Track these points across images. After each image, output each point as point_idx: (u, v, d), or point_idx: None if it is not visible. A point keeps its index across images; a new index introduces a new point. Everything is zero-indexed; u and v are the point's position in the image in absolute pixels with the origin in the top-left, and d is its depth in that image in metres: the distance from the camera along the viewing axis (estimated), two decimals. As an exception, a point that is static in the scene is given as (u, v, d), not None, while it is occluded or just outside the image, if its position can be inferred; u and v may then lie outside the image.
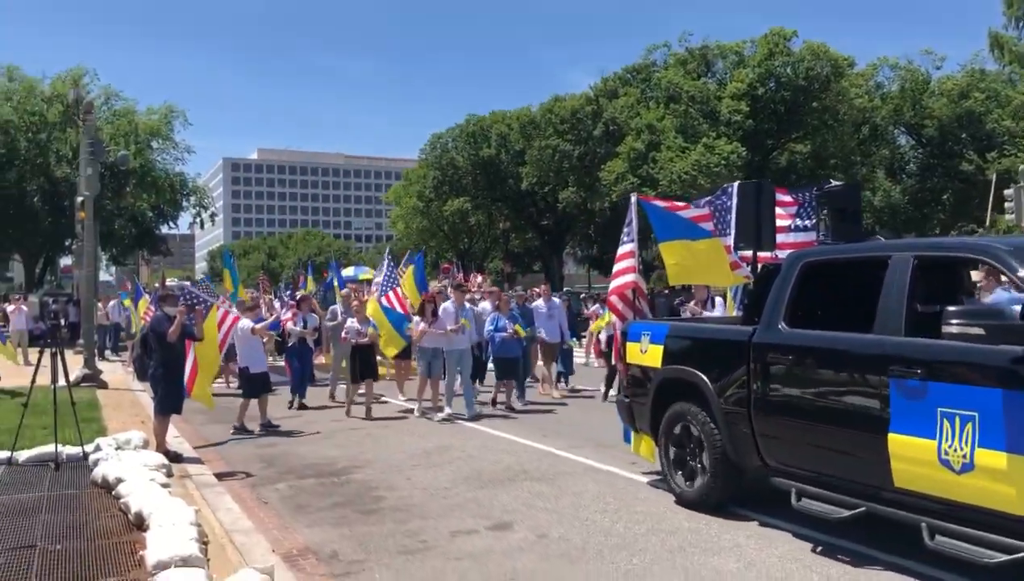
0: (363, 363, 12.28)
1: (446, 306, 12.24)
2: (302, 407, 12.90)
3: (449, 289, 15.66)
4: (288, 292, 21.19)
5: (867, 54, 77.37)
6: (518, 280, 54.68)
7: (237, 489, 8.03)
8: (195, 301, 10.63)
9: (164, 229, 43.98)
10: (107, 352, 24.05)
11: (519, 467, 8.68)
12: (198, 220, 41.58)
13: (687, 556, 5.76)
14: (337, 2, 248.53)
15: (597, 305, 20.02)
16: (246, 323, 11.34)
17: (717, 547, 5.92)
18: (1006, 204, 29.06)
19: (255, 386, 11.25)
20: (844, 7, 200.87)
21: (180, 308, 9.51)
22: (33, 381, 8.70)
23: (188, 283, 20.59)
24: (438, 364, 12.12)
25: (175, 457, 9.00)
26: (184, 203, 40.25)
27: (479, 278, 20.81)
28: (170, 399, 9.42)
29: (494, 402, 12.56)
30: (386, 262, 15.34)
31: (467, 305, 12.65)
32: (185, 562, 5.10)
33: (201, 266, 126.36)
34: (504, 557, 5.85)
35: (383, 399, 13.93)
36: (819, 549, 5.77)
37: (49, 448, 8.58)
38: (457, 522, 6.74)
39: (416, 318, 12.16)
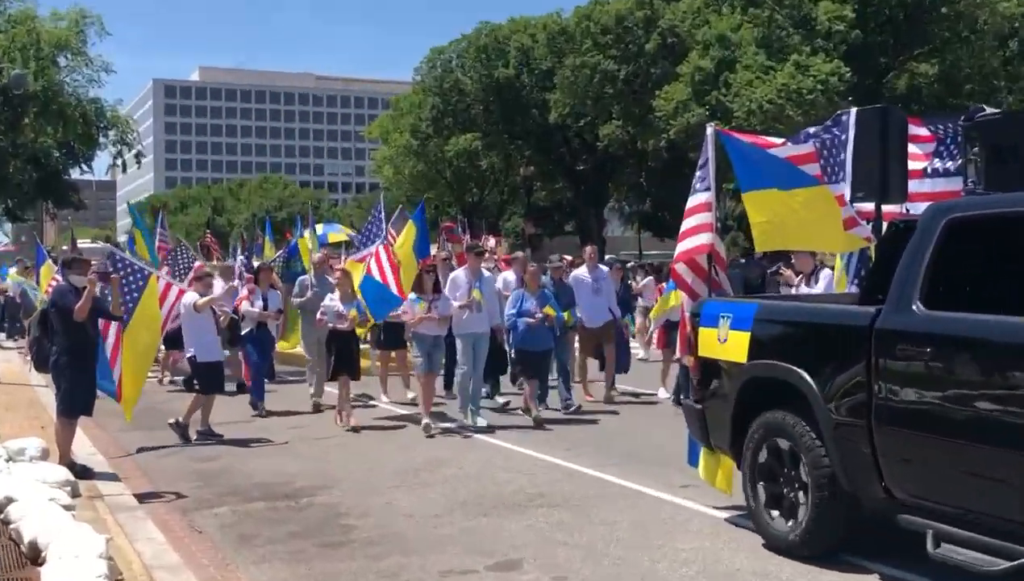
0: (340, 355, 12.22)
1: (456, 275, 12.11)
2: (265, 414, 13.11)
3: (454, 256, 15.38)
4: (242, 258, 20.77)
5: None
6: (545, 245, 54.31)
7: (163, 514, 8.24)
8: (126, 269, 10.61)
9: (75, 173, 43.90)
10: (0, 336, 24.00)
11: (534, 489, 8.74)
12: (118, 162, 41.32)
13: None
14: None
15: (650, 277, 19.80)
16: (190, 297, 11.43)
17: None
18: None
19: (210, 379, 11.49)
20: None
21: (90, 277, 9.56)
22: None
23: (112, 247, 20.09)
24: (440, 355, 12.14)
25: (83, 471, 9.20)
26: (101, 139, 40.16)
27: (491, 241, 20.50)
28: (77, 396, 9.49)
29: (532, 417, 12.18)
30: (380, 215, 14.97)
31: (485, 272, 12.52)
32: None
33: (124, 223, 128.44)
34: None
35: (371, 402, 14.16)
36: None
37: (-81, 458, 8.65)
38: (450, 559, 6.85)
39: (411, 296, 11.90)
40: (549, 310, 12.07)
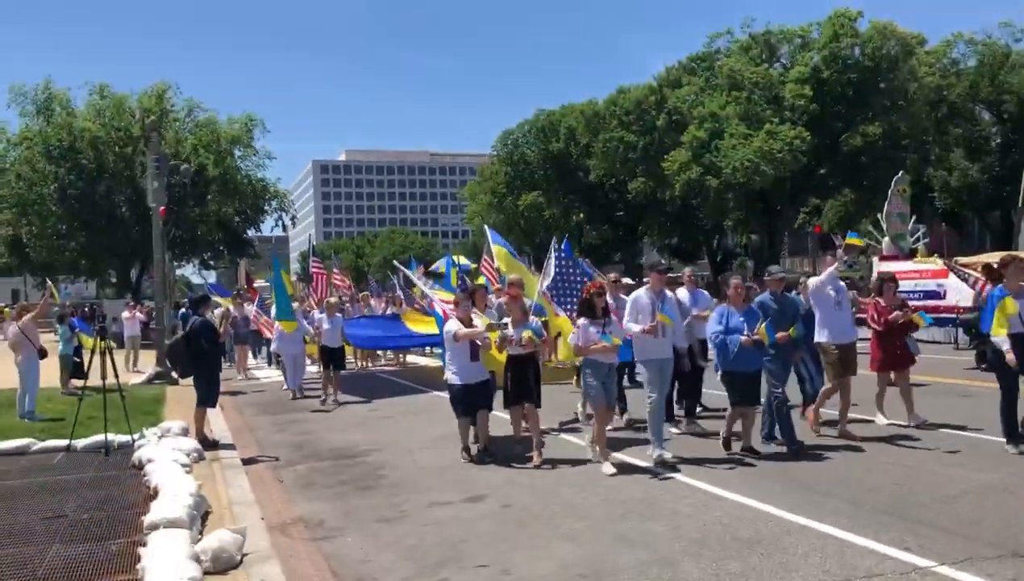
0: (517, 381, 9.75)
1: (637, 297, 9.43)
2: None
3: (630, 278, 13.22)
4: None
5: (941, 30, 74.33)
6: (603, 272, 56.45)
7: (260, 470, 9.17)
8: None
9: (251, 233, 46.56)
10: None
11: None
12: (279, 224, 47.05)
13: None
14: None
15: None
16: (453, 325, 9.67)
17: None
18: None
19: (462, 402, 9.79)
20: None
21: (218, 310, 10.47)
22: (86, 377, 10.25)
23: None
24: (614, 386, 9.58)
25: (213, 443, 10.22)
26: (266, 208, 44.68)
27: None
28: (210, 394, 10.70)
29: (727, 443, 9.41)
30: (554, 254, 11.42)
31: (667, 293, 9.78)
32: (172, 523, 6.24)
33: (296, 267, 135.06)
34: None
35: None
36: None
37: (103, 437, 9.98)
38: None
39: (581, 321, 9.04)
40: (762, 332, 8.84)
